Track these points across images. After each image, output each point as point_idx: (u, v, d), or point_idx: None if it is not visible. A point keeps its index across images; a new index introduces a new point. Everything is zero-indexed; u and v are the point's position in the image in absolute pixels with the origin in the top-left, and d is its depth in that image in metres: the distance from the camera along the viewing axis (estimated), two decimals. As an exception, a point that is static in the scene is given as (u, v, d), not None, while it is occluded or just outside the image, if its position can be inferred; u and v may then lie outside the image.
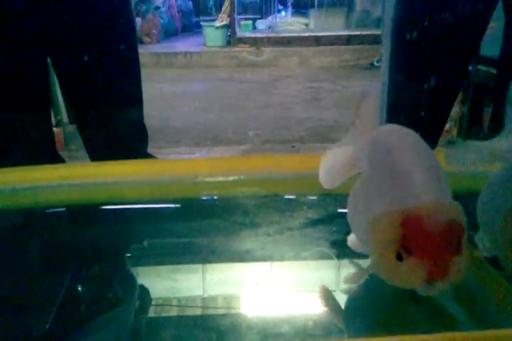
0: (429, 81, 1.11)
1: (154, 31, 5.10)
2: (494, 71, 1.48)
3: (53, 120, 1.91)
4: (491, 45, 1.57)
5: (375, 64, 4.11)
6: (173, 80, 3.76)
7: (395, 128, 0.45)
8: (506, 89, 0.46)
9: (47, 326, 0.57)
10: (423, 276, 0.38)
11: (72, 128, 2.31)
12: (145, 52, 4.37)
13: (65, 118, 2.25)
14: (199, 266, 0.85)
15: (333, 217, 0.79)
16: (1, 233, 0.76)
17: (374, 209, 0.41)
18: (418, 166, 0.40)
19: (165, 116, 2.67)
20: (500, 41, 1.31)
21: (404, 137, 0.43)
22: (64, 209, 0.85)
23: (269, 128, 2.41)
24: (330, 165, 0.55)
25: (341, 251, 0.65)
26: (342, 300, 0.63)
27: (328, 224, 0.76)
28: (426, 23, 1.08)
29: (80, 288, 0.66)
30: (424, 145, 0.43)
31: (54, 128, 1.89)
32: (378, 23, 4.77)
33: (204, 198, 0.89)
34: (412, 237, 0.38)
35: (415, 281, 0.39)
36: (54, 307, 0.58)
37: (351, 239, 0.57)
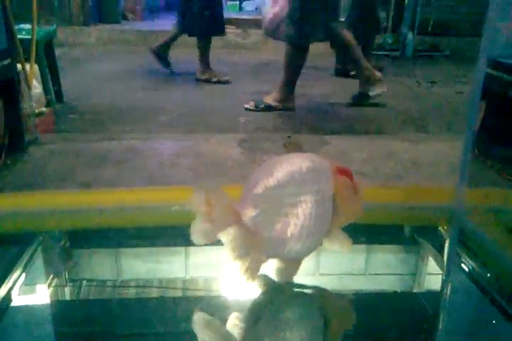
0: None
1: (138, 8, 4.96)
2: None
3: (44, 100, 1.86)
4: None
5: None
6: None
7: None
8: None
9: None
10: None
11: (59, 106, 2.25)
12: (130, 29, 4.27)
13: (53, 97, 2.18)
14: (181, 249, 0.85)
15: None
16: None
17: None
18: None
19: (153, 98, 2.62)
20: None
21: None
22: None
23: (259, 115, 2.39)
24: None
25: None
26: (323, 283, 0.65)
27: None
28: None
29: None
30: None
31: (44, 108, 1.84)
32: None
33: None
34: None
35: None
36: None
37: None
